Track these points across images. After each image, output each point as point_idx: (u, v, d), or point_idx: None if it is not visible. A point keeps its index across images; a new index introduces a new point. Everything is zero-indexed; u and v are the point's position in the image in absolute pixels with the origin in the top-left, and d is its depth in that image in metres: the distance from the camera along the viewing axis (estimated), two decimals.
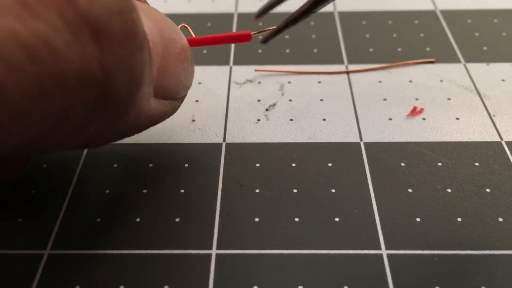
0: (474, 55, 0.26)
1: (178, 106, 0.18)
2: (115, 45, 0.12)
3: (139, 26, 0.13)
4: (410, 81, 0.25)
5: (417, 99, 0.24)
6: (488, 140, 0.21)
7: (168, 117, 0.17)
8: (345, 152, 0.21)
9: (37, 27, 0.10)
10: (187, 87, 0.18)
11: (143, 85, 0.14)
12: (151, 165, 0.20)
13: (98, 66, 0.12)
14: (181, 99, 0.18)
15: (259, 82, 0.25)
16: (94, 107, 0.12)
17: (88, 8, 0.11)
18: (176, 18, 0.29)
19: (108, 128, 0.14)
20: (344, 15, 0.30)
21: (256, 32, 0.20)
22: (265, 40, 0.21)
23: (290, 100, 0.24)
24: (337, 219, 0.18)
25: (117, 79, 0.12)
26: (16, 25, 0.10)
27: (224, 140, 0.22)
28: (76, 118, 0.12)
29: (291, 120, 0.23)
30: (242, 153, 0.21)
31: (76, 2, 0.11)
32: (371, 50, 0.27)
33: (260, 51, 0.27)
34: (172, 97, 0.17)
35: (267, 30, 0.21)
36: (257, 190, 0.19)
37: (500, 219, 0.18)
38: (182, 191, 0.19)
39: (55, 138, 0.13)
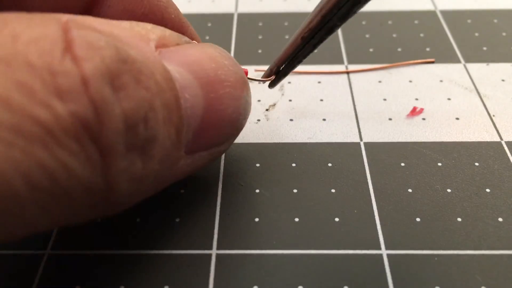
0: (474, 55, 0.26)
1: (225, 149, 0.17)
2: (118, 158, 0.12)
3: (154, 130, 0.13)
4: (410, 81, 0.25)
5: (417, 99, 0.24)
6: (488, 140, 0.21)
7: (207, 165, 0.17)
8: (345, 152, 0.21)
9: (59, 154, 0.11)
10: (244, 120, 0.17)
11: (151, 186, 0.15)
12: None
13: (103, 178, 0.12)
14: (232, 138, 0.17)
15: (259, 82, 0.25)
16: (98, 208, 0.13)
17: (101, 134, 0.12)
18: None
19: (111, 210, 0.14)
20: None
21: (253, 78, 0.21)
22: (272, 84, 0.21)
23: (290, 100, 0.24)
24: (337, 219, 0.18)
25: (120, 188, 0.13)
26: (43, 154, 0.11)
27: None
28: (80, 217, 0.13)
29: (291, 120, 0.23)
30: (242, 153, 0.21)
31: (100, 133, 0.12)
32: (371, 50, 0.27)
33: (260, 51, 0.27)
34: (217, 143, 0.16)
35: (262, 79, 0.21)
36: (257, 190, 0.19)
37: (500, 219, 0.18)
38: (182, 191, 0.19)
39: (60, 225, 0.14)
